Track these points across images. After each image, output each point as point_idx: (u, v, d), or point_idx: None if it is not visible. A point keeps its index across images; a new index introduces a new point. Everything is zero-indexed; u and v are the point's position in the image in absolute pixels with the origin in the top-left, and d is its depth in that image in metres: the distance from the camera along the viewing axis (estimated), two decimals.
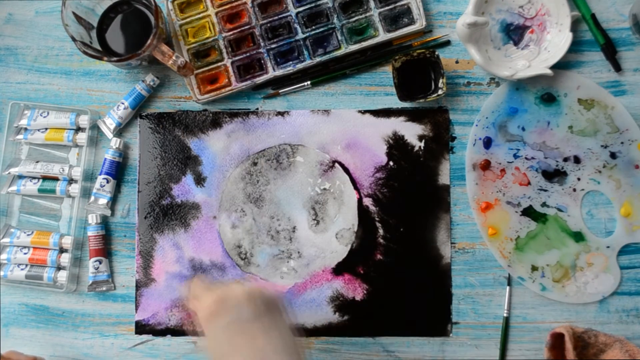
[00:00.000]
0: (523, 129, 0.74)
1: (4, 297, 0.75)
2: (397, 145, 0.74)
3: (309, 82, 0.75)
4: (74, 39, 0.68)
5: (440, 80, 0.72)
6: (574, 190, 0.73)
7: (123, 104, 0.74)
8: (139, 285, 0.74)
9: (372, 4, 0.74)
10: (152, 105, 0.76)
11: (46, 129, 0.75)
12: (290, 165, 0.75)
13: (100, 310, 0.74)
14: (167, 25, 0.74)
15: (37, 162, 0.74)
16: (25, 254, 0.73)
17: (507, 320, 0.72)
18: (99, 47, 0.72)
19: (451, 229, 0.73)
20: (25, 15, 0.77)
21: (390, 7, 0.74)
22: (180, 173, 0.75)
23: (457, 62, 0.75)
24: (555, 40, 0.73)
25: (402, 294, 0.73)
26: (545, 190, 0.73)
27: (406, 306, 0.73)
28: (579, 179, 0.73)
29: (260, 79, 0.75)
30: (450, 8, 0.76)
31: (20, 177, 0.75)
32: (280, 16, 0.74)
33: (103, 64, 0.76)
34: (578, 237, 0.73)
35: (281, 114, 0.75)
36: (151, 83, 0.74)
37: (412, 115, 0.75)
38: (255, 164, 0.75)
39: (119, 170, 0.75)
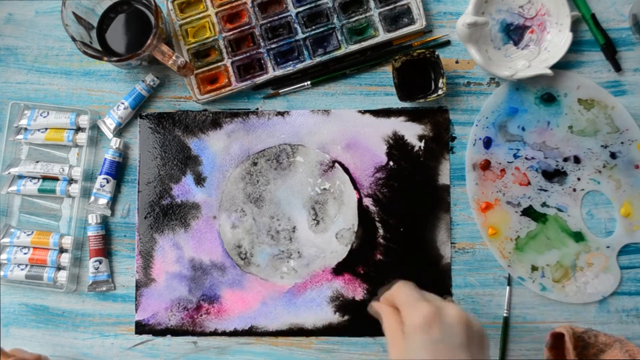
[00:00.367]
0: (523, 129, 0.74)
1: (4, 297, 0.75)
2: (397, 145, 0.74)
3: (309, 82, 0.75)
4: (74, 39, 0.68)
5: (440, 80, 0.72)
6: (574, 190, 0.73)
7: (123, 104, 0.74)
8: (139, 285, 0.74)
9: (372, 4, 0.74)
10: (152, 105, 0.76)
11: (46, 129, 0.75)
12: (290, 165, 0.75)
13: (100, 310, 0.74)
14: (167, 25, 0.74)
15: (37, 162, 0.74)
16: (25, 254, 0.73)
17: (507, 320, 0.72)
18: (99, 47, 0.72)
19: (451, 229, 0.73)
20: (25, 15, 0.77)
21: (390, 7, 0.74)
22: (180, 173, 0.75)
23: (457, 62, 0.75)
24: (555, 40, 0.73)
25: None
26: (545, 190, 0.73)
27: None
28: (579, 179, 0.73)
29: (260, 79, 0.75)
30: (450, 8, 0.76)
31: (20, 177, 0.75)
32: (280, 16, 0.74)
33: (103, 64, 0.76)
34: (578, 237, 0.73)
35: (281, 114, 0.75)
36: (151, 83, 0.74)
37: (412, 115, 0.75)
38: (255, 164, 0.75)
39: (119, 170, 0.75)
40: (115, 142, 0.74)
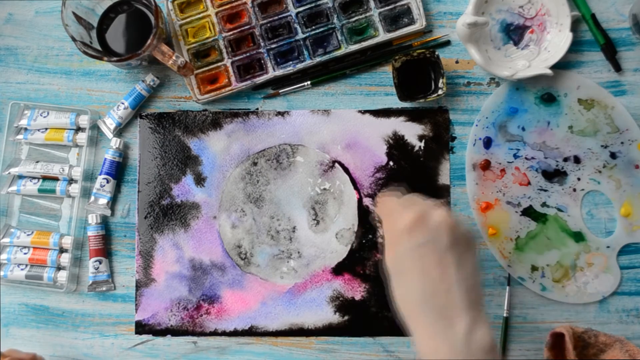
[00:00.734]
0: (523, 129, 0.74)
1: (4, 297, 0.75)
2: (397, 145, 0.74)
3: (309, 82, 0.75)
4: (74, 39, 0.68)
5: (440, 80, 0.72)
6: (574, 190, 0.73)
7: (123, 104, 0.74)
8: (139, 285, 0.74)
9: (372, 4, 0.74)
10: (152, 105, 0.76)
11: (46, 129, 0.75)
12: (290, 165, 0.75)
13: (100, 310, 0.74)
14: (167, 25, 0.74)
15: (37, 162, 0.74)
16: (25, 254, 0.73)
17: (507, 320, 0.72)
18: (99, 47, 0.72)
19: None
20: (25, 15, 0.77)
21: (390, 7, 0.74)
22: (180, 173, 0.75)
23: (457, 62, 0.75)
24: (555, 40, 0.73)
25: None
26: (545, 190, 0.73)
27: None
28: (579, 179, 0.73)
29: (260, 79, 0.75)
30: (450, 8, 0.76)
31: (20, 177, 0.75)
32: (280, 16, 0.74)
33: (103, 64, 0.76)
34: (578, 237, 0.73)
35: (281, 114, 0.75)
36: (151, 83, 0.74)
37: (412, 115, 0.75)
38: (255, 164, 0.75)
39: (119, 170, 0.75)
40: (115, 142, 0.74)
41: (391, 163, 0.74)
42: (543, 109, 0.74)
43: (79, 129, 0.75)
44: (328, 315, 0.73)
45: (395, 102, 0.75)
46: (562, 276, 0.72)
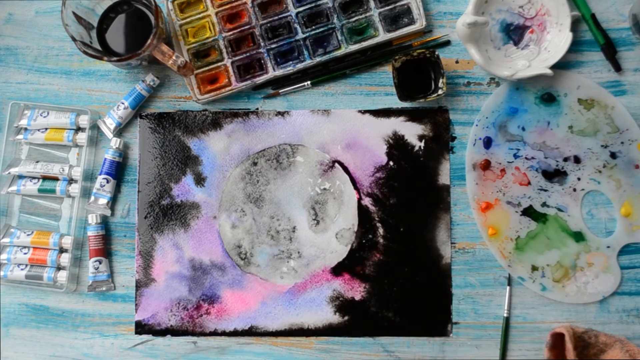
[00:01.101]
0: (523, 129, 0.74)
1: (4, 297, 0.75)
2: (397, 145, 0.74)
3: (309, 82, 0.75)
4: (74, 39, 0.68)
5: (440, 80, 0.72)
6: (574, 190, 0.73)
7: (123, 104, 0.74)
8: (139, 285, 0.74)
9: (372, 4, 0.74)
10: (152, 105, 0.76)
11: (46, 129, 0.75)
12: (290, 165, 0.75)
13: (100, 310, 0.74)
14: (167, 25, 0.74)
15: (37, 162, 0.74)
16: (25, 254, 0.73)
17: (507, 320, 0.72)
18: (99, 47, 0.72)
19: (451, 229, 0.73)
20: (25, 15, 0.77)
21: (390, 7, 0.74)
22: (180, 173, 0.75)
23: (457, 62, 0.75)
24: (555, 40, 0.73)
25: (402, 294, 0.73)
26: (546, 190, 0.73)
27: (406, 306, 0.73)
28: (579, 179, 0.73)
29: (260, 79, 0.75)
30: (450, 8, 0.76)
31: (20, 177, 0.75)
32: (280, 16, 0.74)
33: (103, 64, 0.76)
34: (578, 237, 0.73)
35: (281, 114, 0.75)
36: (151, 83, 0.74)
37: (412, 115, 0.75)
38: (255, 164, 0.75)
39: (119, 170, 0.75)
40: (115, 142, 0.74)
41: (391, 163, 0.74)
42: (543, 109, 0.74)
43: (79, 129, 0.75)
44: (328, 315, 0.73)
45: (395, 102, 0.75)
46: (562, 276, 0.72)
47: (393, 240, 0.73)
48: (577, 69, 0.75)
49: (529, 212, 0.73)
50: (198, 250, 0.74)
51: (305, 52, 0.74)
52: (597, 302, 0.72)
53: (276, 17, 0.74)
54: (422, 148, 0.74)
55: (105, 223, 0.75)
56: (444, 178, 0.74)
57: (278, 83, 0.76)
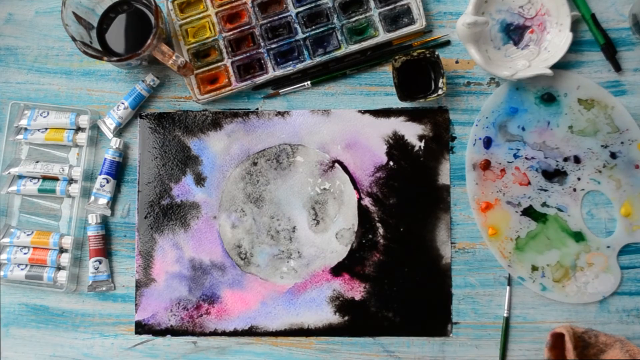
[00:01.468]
0: (523, 129, 0.74)
1: (4, 297, 0.75)
2: (397, 145, 0.74)
3: (309, 82, 0.75)
4: (74, 39, 0.68)
5: (440, 80, 0.72)
6: (574, 190, 0.73)
7: (123, 104, 0.74)
8: (139, 285, 0.74)
9: (372, 4, 0.74)
10: (152, 105, 0.76)
11: (46, 129, 0.75)
12: (290, 165, 0.75)
13: (100, 310, 0.74)
14: (167, 25, 0.74)
15: (37, 162, 0.74)
16: (25, 254, 0.73)
17: (507, 320, 0.72)
18: (99, 47, 0.72)
19: (451, 229, 0.73)
20: (25, 15, 0.77)
21: (390, 7, 0.74)
22: (180, 173, 0.75)
23: (457, 62, 0.75)
24: (555, 40, 0.73)
25: (402, 294, 0.73)
26: (546, 190, 0.73)
27: (406, 306, 0.73)
28: (579, 179, 0.73)
29: (260, 79, 0.75)
30: (450, 8, 0.76)
31: (20, 177, 0.75)
32: (280, 16, 0.74)
33: (103, 64, 0.76)
34: (578, 237, 0.73)
35: (281, 114, 0.75)
36: (151, 83, 0.74)
37: (412, 115, 0.75)
38: (255, 164, 0.75)
39: (119, 170, 0.75)
40: (115, 142, 0.74)
41: (391, 163, 0.74)
42: (543, 109, 0.74)
43: (79, 129, 0.75)
44: (328, 315, 0.73)
45: (395, 102, 0.75)
46: (562, 276, 0.72)
47: (393, 240, 0.73)
48: (577, 69, 0.75)
49: (529, 212, 0.73)
50: (198, 250, 0.74)
51: (305, 52, 0.74)
52: (597, 302, 0.72)
53: (276, 17, 0.74)
54: (422, 148, 0.74)
55: (105, 223, 0.75)
56: (444, 178, 0.74)
57: (278, 83, 0.76)
